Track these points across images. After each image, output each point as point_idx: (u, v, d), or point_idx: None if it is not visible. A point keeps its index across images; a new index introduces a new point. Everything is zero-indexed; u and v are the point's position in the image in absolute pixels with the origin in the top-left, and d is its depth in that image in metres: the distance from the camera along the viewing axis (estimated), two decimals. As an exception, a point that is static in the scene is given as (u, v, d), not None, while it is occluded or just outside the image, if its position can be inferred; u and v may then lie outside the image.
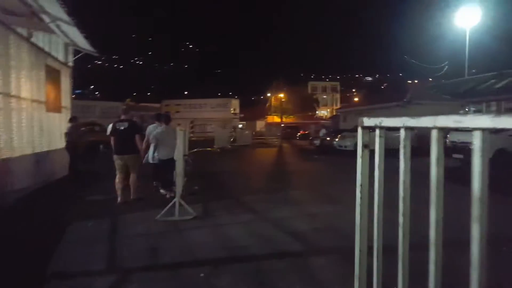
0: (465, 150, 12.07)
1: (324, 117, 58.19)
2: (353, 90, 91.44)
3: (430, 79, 51.92)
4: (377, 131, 1.47)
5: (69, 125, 10.89)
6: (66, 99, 11.94)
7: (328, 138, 22.98)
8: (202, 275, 3.75)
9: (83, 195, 8.27)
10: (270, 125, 45.35)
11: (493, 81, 27.94)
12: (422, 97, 22.81)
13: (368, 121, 1.50)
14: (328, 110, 66.41)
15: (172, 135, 7.97)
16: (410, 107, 21.62)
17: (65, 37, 11.50)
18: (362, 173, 1.64)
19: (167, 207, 6.23)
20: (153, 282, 3.67)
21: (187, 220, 6.07)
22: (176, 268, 3.98)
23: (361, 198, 1.63)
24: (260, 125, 49.05)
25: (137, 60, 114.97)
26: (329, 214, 6.38)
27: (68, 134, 10.71)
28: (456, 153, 12.49)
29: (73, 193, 8.56)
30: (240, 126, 42.30)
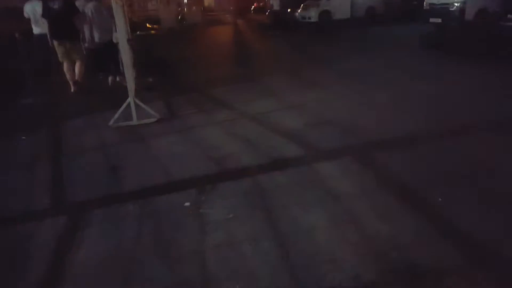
0: (445, 13, 11.29)
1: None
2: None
3: None
4: None
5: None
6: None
7: (289, 10, 21.07)
8: (187, 204, 2.94)
9: (12, 98, 6.86)
10: (219, -2, 41.22)
11: None
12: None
13: None
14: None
15: (105, 13, 6.94)
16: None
17: None
18: None
19: (121, 108, 5.10)
20: (118, 221, 2.80)
21: (149, 124, 5.08)
22: (148, 197, 3.12)
23: None
24: (207, -1, 44.51)
25: None
26: (316, 103, 5.57)
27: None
28: (434, 17, 11.71)
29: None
30: (186, 1, 38.22)
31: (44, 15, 6.60)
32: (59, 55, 6.72)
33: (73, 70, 6.87)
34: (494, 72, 6.70)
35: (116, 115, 5.07)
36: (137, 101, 5.18)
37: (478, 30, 10.80)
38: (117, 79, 7.27)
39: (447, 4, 11.20)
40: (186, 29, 21.90)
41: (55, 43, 6.64)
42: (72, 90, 6.90)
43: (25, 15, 7.23)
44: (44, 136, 4.98)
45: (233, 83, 7.42)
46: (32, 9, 7.06)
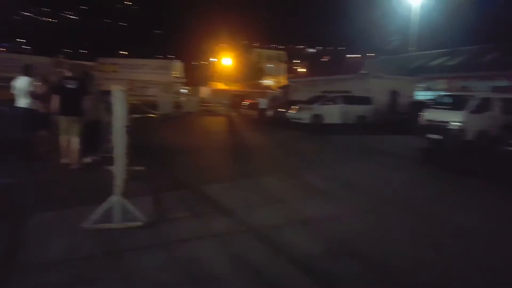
0: (444, 130, 11.07)
1: (271, 86, 56.41)
2: (297, 61, 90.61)
3: (372, 54, 51.80)
4: None
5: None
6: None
7: (282, 109, 21.40)
8: None
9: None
10: (216, 92, 42.62)
11: (445, 58, 28.14)
12: (377, 70, 21.93)
13: None
14: (274, 79, 64.54)
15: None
16: (369, 80, 20.58)
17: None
18: None
19: (101, 208, 4.09)
20: None
21: (132, 228, 4.03)
22: None
23: None
24: (204, 91, 45.96)
25: (70, 14, 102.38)
26: (332, 220, 4.67)
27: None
28: (432, 133, 11.48)
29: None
30: (184, 91, 39.30)
31: (57, 91, 6.70)
32: (61, 129, 6.70)
33: (67, 144, 6.73)
34: None
35: (94, 215, 4.04)
36: (123, 200, 4.20)
37: (481, 152, 10.52)
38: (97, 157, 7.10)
39: (446, 122, 11.05)
40: (182, 117, 21.78)
41: (62, 118, 6.65)
42: (62, 161, 6.79)
43: (13, 89, 7.16)
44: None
45: (231, 181, 6.58)
46: (21, 84, 7.13)
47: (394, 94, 21.50)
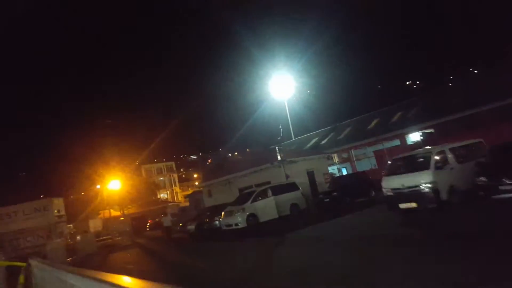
0: (417, 196, 9.32)
1: (167, 199, 51.49)
2: (181, 170, 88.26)
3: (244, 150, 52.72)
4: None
5: None
6: None
7: (206, 219, 17.92)
8: None
9: None
10: (110, 221, 36.08)
11: (332, 134, 29.34)
12: (290, 156, 20.90)
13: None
14: (168, 191, 59.85)
15: None
16: (285, 165, 19.18)
17: None
18: None
19: None
20: None
21: None
22: None
23: None
24: (94, 224, 38.62)
25: None
26: None
27: None
28: (404, 202, 9.62)
29: None
30: (69, 230, 32.24)
31: None
32: None
33: None
34: None
35: None
36: None
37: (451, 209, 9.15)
38: None
39: (417, 186, 9.33)
40: (81, 264, 16.16)
41: None
42: None
43: None
44: None
45: None
46: None
47: (311, 174, 20.52)
